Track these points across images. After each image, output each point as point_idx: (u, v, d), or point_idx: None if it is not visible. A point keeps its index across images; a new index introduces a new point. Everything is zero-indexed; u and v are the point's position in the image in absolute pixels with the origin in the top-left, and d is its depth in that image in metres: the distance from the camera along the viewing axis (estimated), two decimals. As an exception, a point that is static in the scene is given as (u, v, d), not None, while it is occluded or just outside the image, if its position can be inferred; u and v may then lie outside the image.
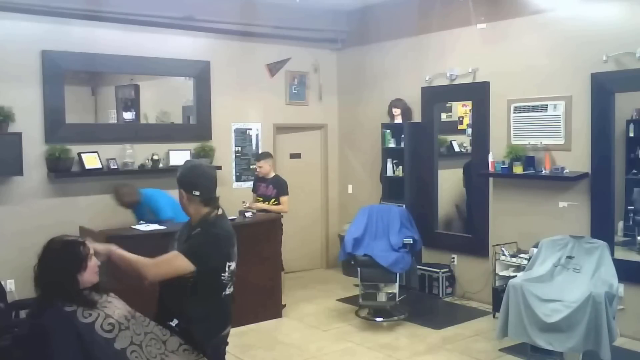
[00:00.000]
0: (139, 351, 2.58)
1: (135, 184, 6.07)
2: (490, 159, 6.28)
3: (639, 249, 5.68)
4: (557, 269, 4.90)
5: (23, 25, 5.96)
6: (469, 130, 7.13)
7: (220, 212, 3.03)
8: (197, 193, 2.92)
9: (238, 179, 7.51)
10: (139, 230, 5.49)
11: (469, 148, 7.07)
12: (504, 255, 6.10)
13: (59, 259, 2.57)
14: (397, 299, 6.06)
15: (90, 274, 2.61)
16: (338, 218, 8.42)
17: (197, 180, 2.95)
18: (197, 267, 2.81)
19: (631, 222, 5.82)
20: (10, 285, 5.79)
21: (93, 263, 2.64)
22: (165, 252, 2.95)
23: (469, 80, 6.65)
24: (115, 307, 2.62)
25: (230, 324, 3.11)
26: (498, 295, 5.75)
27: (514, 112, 6.18)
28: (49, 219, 5.94)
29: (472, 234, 6.75)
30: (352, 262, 6.32)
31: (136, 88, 7.33)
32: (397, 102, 7.31)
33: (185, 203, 2.97)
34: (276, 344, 5.51)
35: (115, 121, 7.37)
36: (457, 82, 6.78)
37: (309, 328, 5.94)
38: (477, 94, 6.56)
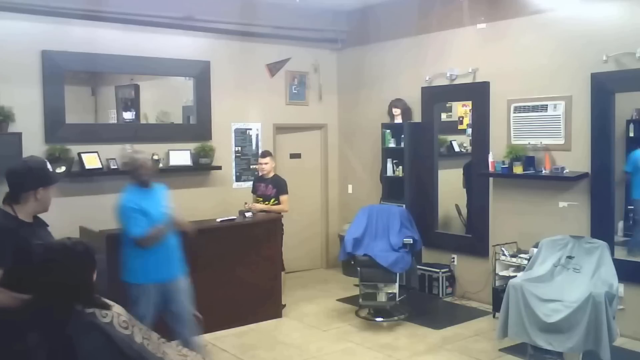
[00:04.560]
0: (151, 344, 2.59)
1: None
2: (490, 159, 6.28)
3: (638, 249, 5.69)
4: (557, 269, 4.90)
5: (23, 25, 5.95)
6: (469, 130, 7.13)
7: None
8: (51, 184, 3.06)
9: (238, 179, 7.51)
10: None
11: (469, 148, 7.07)
12: (504, 255, 6.10)
13: (82, 262, 2.53)
14: (397, 299, 6.06)
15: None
16: (338, 218, 8.41)
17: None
18: None
19: (631, 222, 5.83)
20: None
21: None
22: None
23: (469, 80, 6.65)
24: (115, 306, 2.60)
25: None
26: (498, 295, 5.76)
27: (514, 112, 6.18)
28: (48, 219, 5.85)
29: (472, 234, 6.75)
30: (352, 262, 6.33)
31: (136, 88, 7.34)
32: (397, 102, 7.31)
33: (50, 197, 3.09)
34: (276, 344, 5.51)
35: (115, 121, 7.39)
36: (457, 82, 6.78)
37: (309, 328, 5.94)
38: (477, 94, 6.56)
